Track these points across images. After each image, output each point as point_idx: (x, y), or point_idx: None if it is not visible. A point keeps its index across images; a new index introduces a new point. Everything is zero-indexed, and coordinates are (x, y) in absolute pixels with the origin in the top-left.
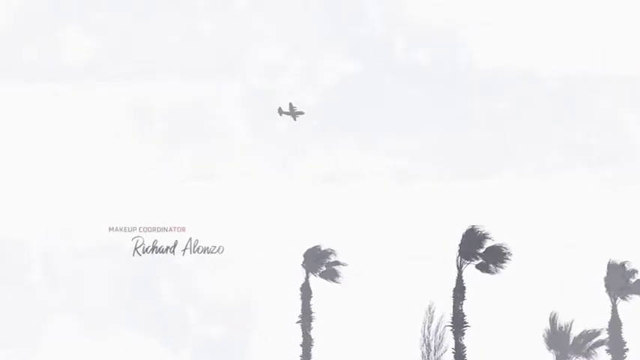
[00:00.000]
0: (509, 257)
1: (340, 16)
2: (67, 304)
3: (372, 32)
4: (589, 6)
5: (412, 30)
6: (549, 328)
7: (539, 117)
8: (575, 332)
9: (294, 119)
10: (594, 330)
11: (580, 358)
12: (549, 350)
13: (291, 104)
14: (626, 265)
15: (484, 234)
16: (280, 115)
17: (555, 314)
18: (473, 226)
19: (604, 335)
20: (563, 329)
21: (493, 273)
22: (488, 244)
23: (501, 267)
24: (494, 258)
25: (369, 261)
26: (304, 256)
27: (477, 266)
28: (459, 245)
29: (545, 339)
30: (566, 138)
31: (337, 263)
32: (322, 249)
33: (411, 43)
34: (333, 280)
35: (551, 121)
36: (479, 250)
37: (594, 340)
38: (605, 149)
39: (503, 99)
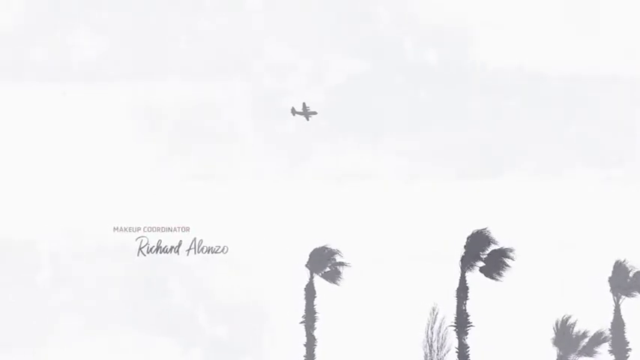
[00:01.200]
0: (512, 259)
1: (347, 15)
2: (72, 304)
3: (380, 32)
4: (598, 6)
5: (421, 30)
6: (558, 328)
7: (548, 117)
8: (580, 333)
9: (307, 119)
10: (598, 330)
11: (584, 357)
12: (554, 348)
13: (304, 104)
14: (629, 265)
15: (489, 237)
16: (293, 115)
17: (569, 317)
18: (479, 229)
19: (607, 334)
20: (569, 329)
21: (496, 279)
22: (492, 247)
23: (503, 272)
24: (498, 262)
25: (372, 261)
26: (309, 256)
27: (481, 269)
28: (464, 247)
29: (553, 339)
30: (574, 138)
31: (341, 264)
32: (327, 250)
33: (420, 43)
34: (334, 282)
35: (560, 121)
36: (483, 255)
37: (598, 340)
38: (613, 149)
39: (513, 99)
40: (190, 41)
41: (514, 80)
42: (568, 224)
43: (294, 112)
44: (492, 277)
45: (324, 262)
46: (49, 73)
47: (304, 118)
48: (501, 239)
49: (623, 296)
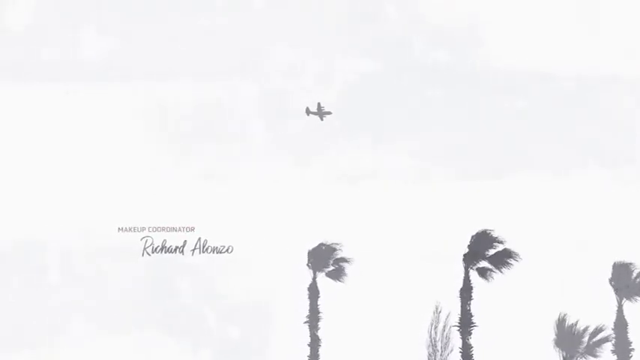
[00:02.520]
0: (515, 260)
1: (355, 15)
2: (76, 304)
3: (389, 31)
4: (608, 6)
5: (430, 29)
6: (557, 329)
7: (549, 117)
8: (582, 332)
9: (321, 119)
10: (598, 327)
11: (587, 357)
12: (556, 349)
13: (319, 104)
14: (631, 265)
15: (494, 238)
16: (308, 115)
17: (565, 315)
18: (485, 230)
19: (609, 332)
20: (571, 329)
21: (488, 280)
22: (497, 248)
23: (493, 276)
24: (502, 263)
25: (376, 261)
26: (310, 255)
27: (477, 270)
28: (468, 247)
29: (554, 340)
30: (574, 138)
31: (343, 260)
32: (325, 246)
33: (429, 43)
34: (339, 280)
35: (560, 122)
36: (486, 254)
37: (599, 337)
38: (613, 149)
39: (513, 99)
40: (197, 41)
41: (514, 81)
42: (573, 225)
43: (308, 112)
44: (485, 278)
45: (325, 261)
46: (55, 73)
47: (311, 119)
48: (502, 239)
49: (625, 298)
